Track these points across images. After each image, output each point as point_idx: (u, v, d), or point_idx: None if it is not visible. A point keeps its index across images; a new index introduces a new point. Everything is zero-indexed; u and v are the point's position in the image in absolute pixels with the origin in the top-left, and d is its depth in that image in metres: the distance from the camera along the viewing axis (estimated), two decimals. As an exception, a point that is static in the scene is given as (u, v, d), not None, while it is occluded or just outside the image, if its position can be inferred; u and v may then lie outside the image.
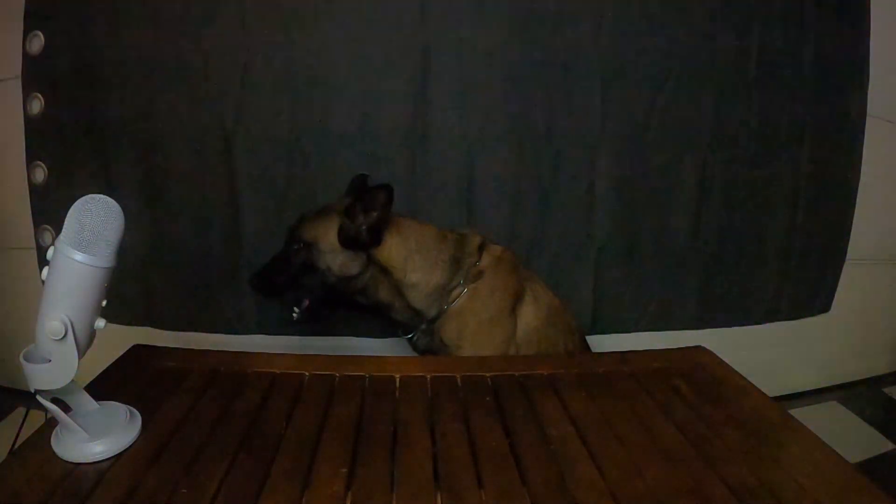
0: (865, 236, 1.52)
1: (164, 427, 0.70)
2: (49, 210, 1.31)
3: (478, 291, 1.07)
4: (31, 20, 1.26)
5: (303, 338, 1.36)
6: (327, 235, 1.03)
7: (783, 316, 1.53)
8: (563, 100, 1.32)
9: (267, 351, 0.98)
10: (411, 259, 1.05)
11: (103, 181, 1.27)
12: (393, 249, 1.05)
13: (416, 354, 1.18)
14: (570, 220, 1.38)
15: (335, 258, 1.03)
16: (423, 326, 1.10)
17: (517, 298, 1.10)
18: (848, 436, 1.44)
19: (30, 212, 1.33)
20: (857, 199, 1.50)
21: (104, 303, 0.63)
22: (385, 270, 1.05)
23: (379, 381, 0.84)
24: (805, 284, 1.53)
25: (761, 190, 1.44)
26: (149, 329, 1.34)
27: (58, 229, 0.59)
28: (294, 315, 1.08)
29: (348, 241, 1.02)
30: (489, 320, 1.07)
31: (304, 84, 1.26)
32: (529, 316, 1.11)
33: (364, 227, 1.02)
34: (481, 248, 1.10)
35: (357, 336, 1.38)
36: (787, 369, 1.54)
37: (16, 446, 0.65)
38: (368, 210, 1.01)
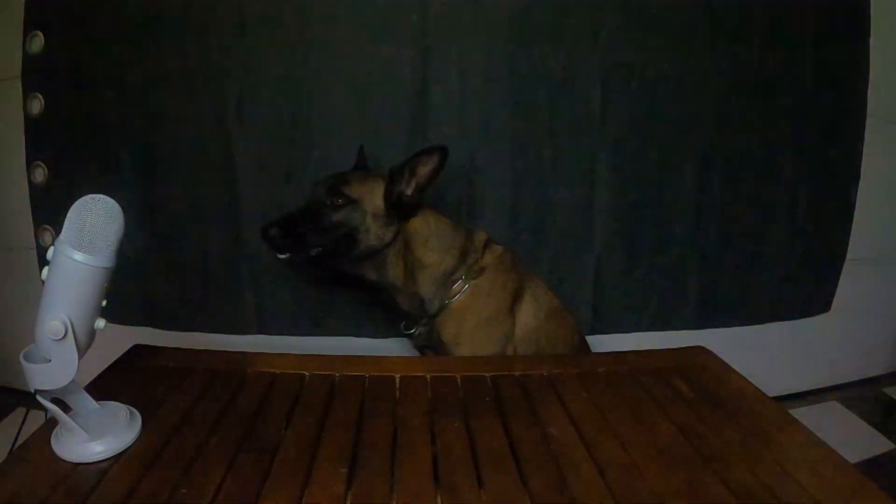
0: (865, 236, 1.52)
1: (164, 427, 0.70)
2: (49, 210, 1.31)
3: (478, 289, 1.08)
4: (31, 20, 1.26)
5: (303, 338, 1.37)
6: (373, 196, 1.02)
7: (783, 316, 1.53)
8: (563, 100, 1.32)
9: (267, 351, 0.98)
10: (431, 239, 1.07)
11: (103, 181, 1.27)
12: (419, 225, 1.06)
13: (415, 351, 1.18)
14: (570, 220, 1.37)
15: (375, 221, 1.02)
16: (424, 320, 1.10)
17: (516, 298, 1.11)
18: (848, 436, 1.44)
19: (30, 212, 1.33)
20: (857, 199, 1.50)
21: (104, 303, 0.63)
22: (408, 245, 1.06)
23: (379, 381, 0.84)
24: (805, 284, 1.53)
25: (761, 190, 1.44)
26: (149, 329, 1.34)
27: (58, 229, 0.59)
28: (281, 256, 1.05)
29: (394, 204, 1.02)
30: (487, 319, 1.08)
31: (304, 84, 1.26)
32: (528, 316, 1.11)
33: (411, 188, 1.02)
34: (486, 246, 1.11)
35: (357, 336, 1.38)
36: (787, 369, 1.54)
37: (16, 446, 0.65)
38: (416, 170, 1.01)
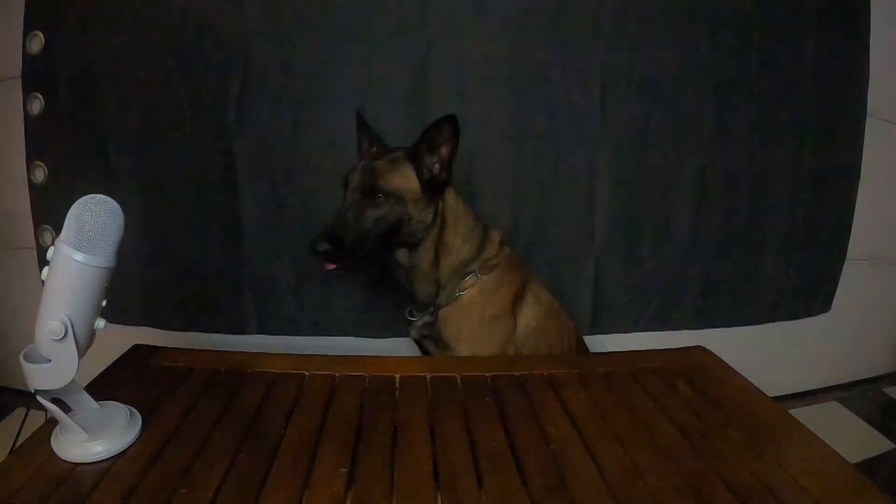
0: (865, 236, 1.52)
1: (164, 427, 0.70)
2: (49, 210, 1.31)
3: (486, 285, 1.07)
4: (31, 20, 1.26)
5: (303, 338, 1.37)
6: (409, 182, 1.00)
7: (783, 316, 1.53)
8: (563, 100, 1.32)
9: (267, 351, 0.98)
10: (460, 221, 1.06)
11: (103, 181, 1.27)
12: (452, 203, 1.05)
13: (415, 347, 1.17)
14: (570, 219, 1.38)
15: (416, 206, 1.00)
16: (431, 309, 1.08)
17: (518, 298, 1.11)
18: (848, 436, 1.44)
19: (30, 212, 1.33)
20: (857, 199, 1.50)
21: (104, 303, 0.63)
22: (442, 225, 1.04)
23: (379, 381, 0.84)
24: (805, 284, 1.53)
25: (761, 190, 1.44)
26: (149, 329, 1.34)
27: (58, 229, 0.59)
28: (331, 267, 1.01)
29: (427, 184, 1.00)
30: (491, 318, 1.07)
31: (305, 84, 1.26)
32: (529, 316, 1.11)
33: (437, 166, 1.00)
34: (501, 243, 1.10)
35: (357, 336, 1.38)
36: (787, 369, 1.54)
37: (16, 446, 0.65)
38: (435, 147, 0.99)
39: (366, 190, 0.99)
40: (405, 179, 1.01)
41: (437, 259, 1.06)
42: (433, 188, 1.02)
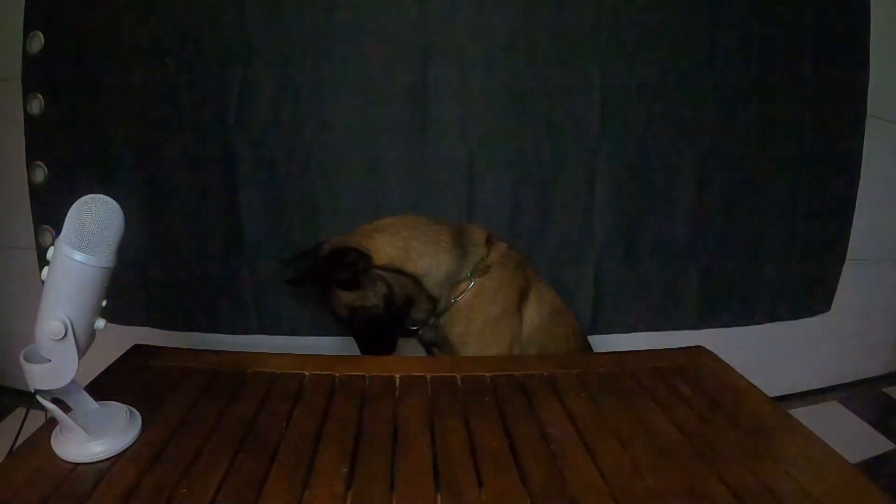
0: (865, 236, 1.52)
1: (164, 427, 0.70)
2: (49, 210, 1.31)
3: (485, 287, 1.06)
4: (31, 20, 1.27)
5: (303, 338, 1.37)
6: (344, 297, 1.05)
7: (783, 316, 1.53)
8: (564, 99, 1.32)
9: (267, 351, 0.98)
10: (410, 246, 1.04)
11: (103, 181, 1.27)
12: (387, 247, 1.04)
13: (419, 350, 1.18)
14: (570, 219, 1.37)
15: (367, 297, 1.05)
16: (431, 320, 1.09)
17: (522, 296, 1.10)
18: (848, 436, 1.44)
19: (30, 212, 1.33)
20: (857, 199, 1.50)
21: (104, 303, 0.63)
22: (399, 272, 1.05)
23: (379, 381, 0.84)
24: (805, 284, 1.53)
25: (761, 190, 1.44)
26: (149, 329, 1.34)
27: (58, 229, 0.59)
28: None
29: (349, 283, 1.03)
30: (495, 318, 1.07)
31: (305, 84, 1.26)
32: (534, 315, 1.10)
33: (344, 273, 1.03)
34: (488, 242, 1.09)
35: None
36: (787, 369, 1.54)
37: (16, 446, 0.65)
38: (325, 274, 1.04)
39: (345, 319, 1.09)
40: (341, 297, 1.06)
41: (420, 287, 1.06)
42: (358, 272, 1.03)
